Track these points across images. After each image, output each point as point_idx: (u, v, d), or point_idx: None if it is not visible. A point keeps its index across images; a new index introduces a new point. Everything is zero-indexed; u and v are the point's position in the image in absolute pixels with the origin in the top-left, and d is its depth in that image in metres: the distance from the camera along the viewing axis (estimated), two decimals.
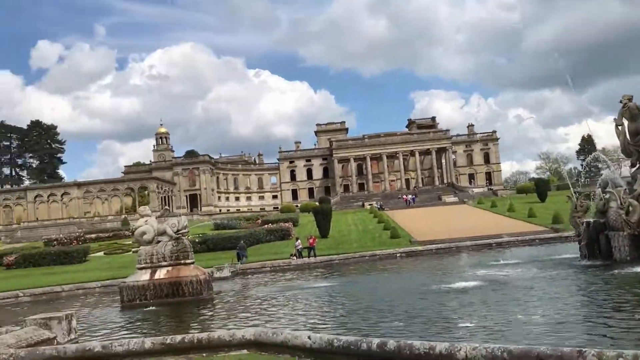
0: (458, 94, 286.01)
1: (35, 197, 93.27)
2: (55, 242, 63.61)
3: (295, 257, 37.35)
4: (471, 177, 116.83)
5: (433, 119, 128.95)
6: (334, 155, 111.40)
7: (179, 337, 8.56)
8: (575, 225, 20.60)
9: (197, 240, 46.17)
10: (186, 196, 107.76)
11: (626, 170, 21.62)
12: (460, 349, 6.22)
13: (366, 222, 64.07)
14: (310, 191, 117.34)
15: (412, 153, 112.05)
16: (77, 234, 69.44)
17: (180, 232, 20.15)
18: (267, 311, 15.83)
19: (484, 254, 31.64)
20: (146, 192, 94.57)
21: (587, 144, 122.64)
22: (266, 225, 57.17)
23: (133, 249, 58.08)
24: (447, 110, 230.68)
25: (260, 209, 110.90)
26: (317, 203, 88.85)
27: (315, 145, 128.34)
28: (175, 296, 19.08)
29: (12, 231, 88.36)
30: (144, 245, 20.07)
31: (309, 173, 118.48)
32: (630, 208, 17.26)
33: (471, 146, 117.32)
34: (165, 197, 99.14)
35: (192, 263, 20.17)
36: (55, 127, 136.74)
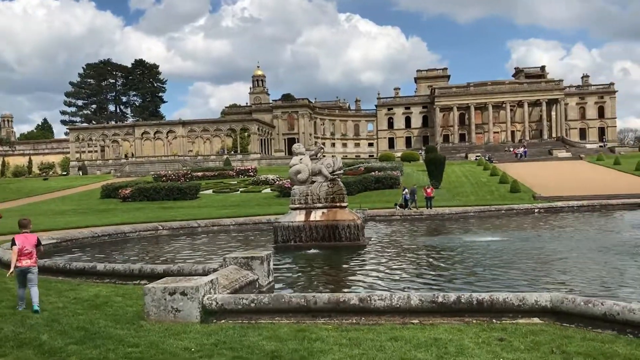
0: (559, 44, 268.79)
1: (142, 133, 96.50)
2: (164, 177, 65.22)
3: (398, 207, 35.06)
4: (582, 132, 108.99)
5: (542, 68, 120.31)
6: (435, 103, 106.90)
7: (453, 296, 6.97)
8: None
9: None
10: (284, 139, 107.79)
11: None
12: None
13: (477, 174, 61.04)
14: (408, 140, 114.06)
15: (520, 104, 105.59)
16: (184, 171, 70.97)
17: (336, 173, 18.73)
18: (441, 263, 14.26)
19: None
20: (246, 133, 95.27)
21: None
22: (373, 173, 55.65)
23: (240, 189, 58.62)
24: (546, 61, 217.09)
25: (356, 156, 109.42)
26: (417, 152, 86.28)
27: (415, 92, 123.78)
28: (331, 240, 17.86)
29: (120, 165, 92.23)
30: (297, 184, 18.85)
31: (407, 121, 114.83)
32: None
33: (585, 99, 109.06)
34: (264, 139, 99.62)
35: (347, 206, 18.79)
36: (157, 67, 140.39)
